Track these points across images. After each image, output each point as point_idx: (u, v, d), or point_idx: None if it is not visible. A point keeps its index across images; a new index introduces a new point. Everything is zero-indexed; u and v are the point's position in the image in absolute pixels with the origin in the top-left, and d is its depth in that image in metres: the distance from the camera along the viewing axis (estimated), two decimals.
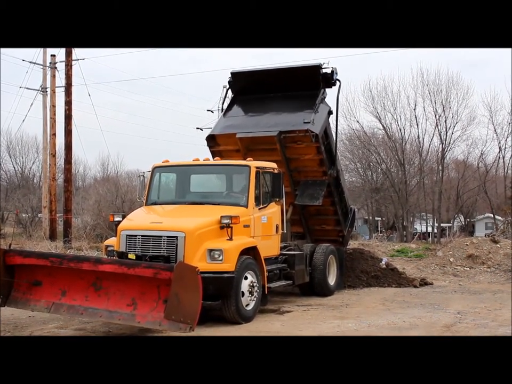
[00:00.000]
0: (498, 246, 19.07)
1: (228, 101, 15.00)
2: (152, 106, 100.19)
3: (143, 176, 12.42)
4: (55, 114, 28.87)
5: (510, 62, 59.11)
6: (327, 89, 14.26)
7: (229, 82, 14.68)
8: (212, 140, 13.78)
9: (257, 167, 11.50)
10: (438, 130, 44.36)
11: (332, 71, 13.90)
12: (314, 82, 13.84)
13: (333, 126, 14.35)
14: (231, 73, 14.50)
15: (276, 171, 11.87)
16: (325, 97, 14.11)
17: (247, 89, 14.42)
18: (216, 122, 14.25)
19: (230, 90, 14.92)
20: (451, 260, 18.73)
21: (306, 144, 13.26)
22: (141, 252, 10.04)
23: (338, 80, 14.04)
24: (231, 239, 10.23)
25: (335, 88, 14.19)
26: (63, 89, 26.41)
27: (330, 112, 14.04)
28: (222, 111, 14.62)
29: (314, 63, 13.88)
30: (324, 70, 13.90)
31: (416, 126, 44.97)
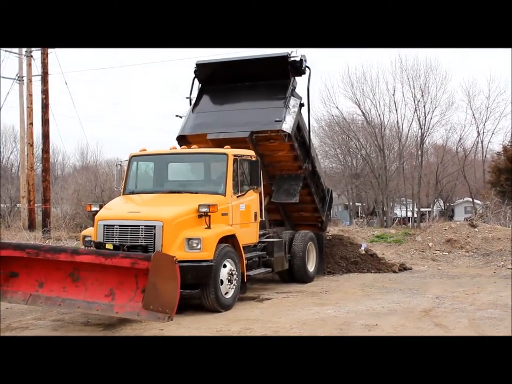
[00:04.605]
0: (477, 230, 19.25)
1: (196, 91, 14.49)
2: (132, 94, 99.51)
3: (121, 165, 12.34)
4: (32, 103, 28.57)
5: (510, 62, 59.43)
6: (297, 78, 13.83)
7: (195, 72, 14.16)
8: (182, 139, 13.44)
9: (235, 155, 11.46)
10: (417, 115, 44.65)
11: (301, 59, 13.43)
12: (283, 71, 13.45)
13: (306, 112, 14.01)
14: (196, 64, 14.05)
15: (253, 159, 11.84)
16: (295, 87, 13.71)
17: (214, 79, 14.01)
18: (185, 120, 13.78)
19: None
20: (430, 244, 18.87)
21: (279, 142, 13.05)
22: (119, 241, 9.98)
23: (308, 68, 13.63)
24: (209, 227, 10.20)
25: (305, 76, 13.76)
26: (40, 78, 26.16)
27: (302, 105, 13.65)
28: (191, 103, 14.16)
29: (281, 53, 13.39)
30: (292, 59, 13.42)
31: (395, 112, 45.25)
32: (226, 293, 10.37)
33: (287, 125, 12.87)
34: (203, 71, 14.07)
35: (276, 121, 12.87)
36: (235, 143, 12.15)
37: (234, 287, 10.57)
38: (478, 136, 46.14)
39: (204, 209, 10.23)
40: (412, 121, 45.22)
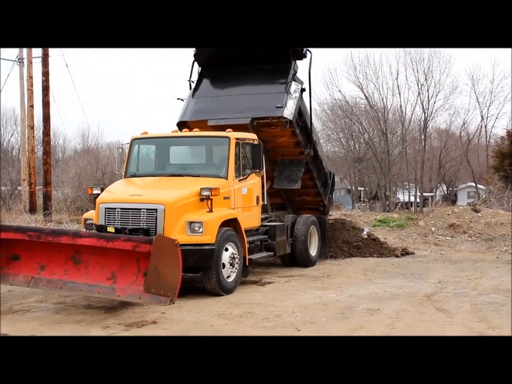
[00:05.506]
0: (480, 215, 19.16)
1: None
2: (134, 76, 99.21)
3: (122, 148, 12.28)
4: (32, 85, 28.34)
5: (510, 62, 59.28)
6: (299, 62, 13.66)
7: (195, 55, 13.96)
8: (183, 125, 13.26)
9: (237, 138, 11.38)
10: (420, 99, 44.55)
11: None
12: (284, 55, 13.23)
13: (307, 97, 13.85)
14: (196, 49, 13.85)
15: (255, 142, 11.77)
16: (296, 71, 13.53)
17: (214, 63, 13.80)
18: (186, 105, 13.64)
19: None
20: (433, 229, 18.81)
21: (281, 128, 12.96)
22: (120, 224, 9.95)
23: (309, 51, 13.49)
24: (211, 211, 10.15)
25: (306, 60, 13.61)
26: (40, 59, 26.01)
27: (303, 90, 13.50)
28: (190, 87, 14.00)
29: None
30: None
31: (398, 95, 45.15)
32: (228, 277, 10.35)
33: (288, 111, 12.76)
34: (203, 55, 13.88)
35: (277, 107, 12.74)
36: (236, 129, 12.06)
37: (236, 270, 10.54)
38: (481, 121, 46.08)
39: (206, 193, 10.17)
40: (415, 105, 45.18)
